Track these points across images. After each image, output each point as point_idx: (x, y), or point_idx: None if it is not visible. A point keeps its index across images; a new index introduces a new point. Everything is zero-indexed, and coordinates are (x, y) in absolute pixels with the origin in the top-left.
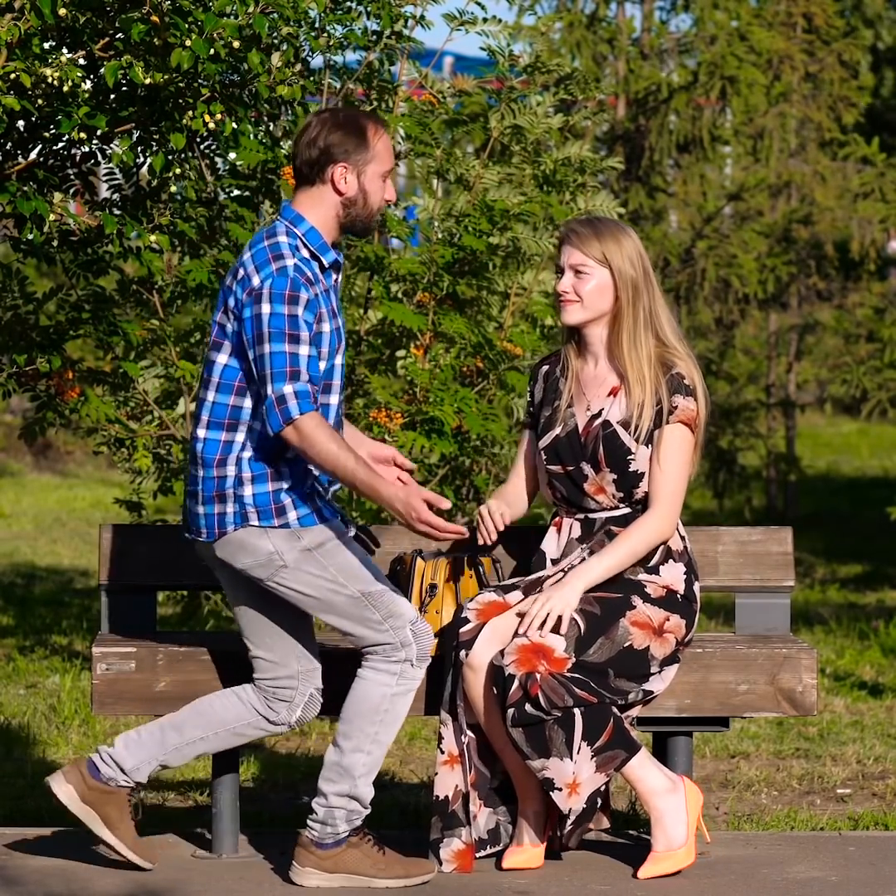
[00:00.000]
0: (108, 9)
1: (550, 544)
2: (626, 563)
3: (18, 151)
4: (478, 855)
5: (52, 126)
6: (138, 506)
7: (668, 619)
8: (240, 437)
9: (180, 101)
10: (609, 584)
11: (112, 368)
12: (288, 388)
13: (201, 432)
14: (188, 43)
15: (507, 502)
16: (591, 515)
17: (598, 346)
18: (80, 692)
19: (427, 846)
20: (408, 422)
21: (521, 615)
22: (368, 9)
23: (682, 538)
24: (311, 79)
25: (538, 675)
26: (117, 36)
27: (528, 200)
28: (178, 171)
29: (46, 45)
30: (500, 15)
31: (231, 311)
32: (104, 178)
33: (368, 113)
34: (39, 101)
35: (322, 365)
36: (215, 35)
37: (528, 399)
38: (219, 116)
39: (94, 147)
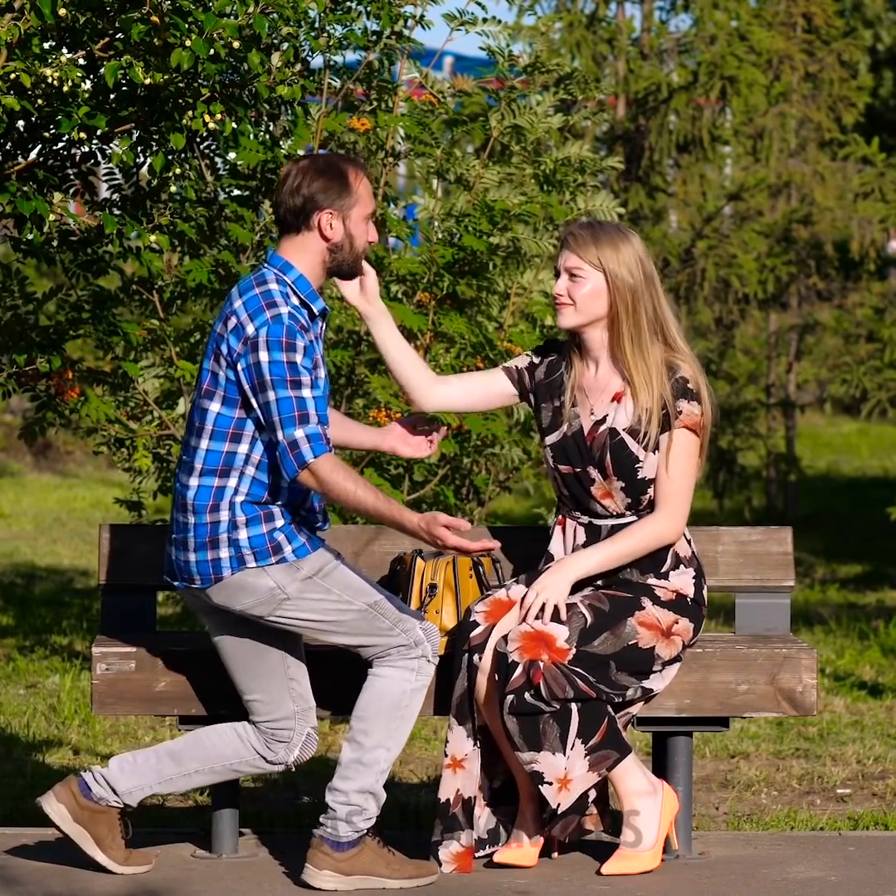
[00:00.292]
0: (108, 9)
1: (557, 546)
2: (621, 559)
3: (18, 151)
4: (477, 855)
5: (52, 126)
6: (138, 506)
7: (677, 622)
8: (232, 482)
9: (180, 101)
10: (620, 585)
11: (112, 368)
12: (299, 433)
13: (193, 481)
14: (188, 43)
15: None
16: (595, 521)
17: (598, 350)
18: (80, 692)
19: (427, 847)
20: None
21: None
22: (368, 9)
23: (689, 543)
24: (311, 79)
25: (541, 663)
26: (117, 36)
27: (528, 200)
28: (178, 171)
29: (46, 45)
30: (500, 15)
31: (223, 359)
32: (104, 178)
33: (347, 157)
34: (39, 101)
35: None
36: (215, 35)
37: (528, 360)
38: (219, 116)
39: (94, 147)
